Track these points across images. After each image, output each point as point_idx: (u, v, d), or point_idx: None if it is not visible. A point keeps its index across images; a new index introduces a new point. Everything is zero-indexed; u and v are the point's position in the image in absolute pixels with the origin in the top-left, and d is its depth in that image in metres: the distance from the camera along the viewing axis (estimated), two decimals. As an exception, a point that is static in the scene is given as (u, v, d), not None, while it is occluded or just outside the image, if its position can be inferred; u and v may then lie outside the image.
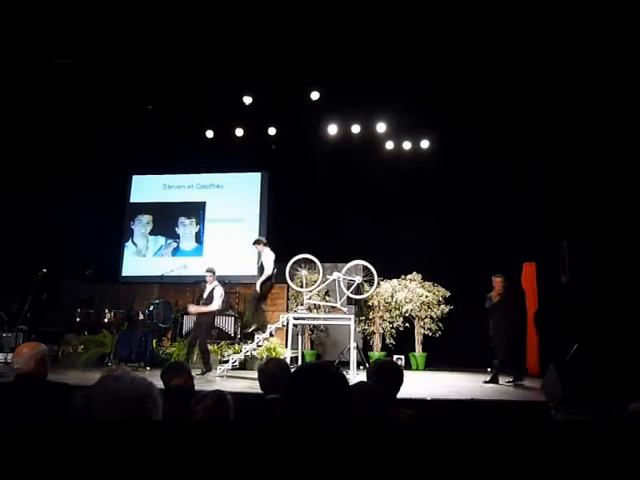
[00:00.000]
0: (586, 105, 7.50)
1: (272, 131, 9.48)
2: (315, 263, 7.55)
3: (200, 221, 10.48)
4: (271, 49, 7.26)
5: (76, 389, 2.48)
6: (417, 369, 8.38)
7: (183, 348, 7.71)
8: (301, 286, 7.79)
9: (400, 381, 2.59)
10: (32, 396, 2.41)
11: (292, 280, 7.79)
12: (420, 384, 6.28)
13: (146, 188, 10.82)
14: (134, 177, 10.83)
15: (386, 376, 2.51)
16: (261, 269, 7.57)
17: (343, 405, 1.38)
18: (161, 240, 10.52)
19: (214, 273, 7.43)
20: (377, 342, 8.73)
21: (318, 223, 9.38)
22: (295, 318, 6.98)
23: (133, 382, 1.25)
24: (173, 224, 10.51)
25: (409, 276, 8.82)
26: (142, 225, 10.62)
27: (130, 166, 10.64)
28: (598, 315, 6.84)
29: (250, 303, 7.71)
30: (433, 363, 8.53)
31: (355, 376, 6.58)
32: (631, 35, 6.39)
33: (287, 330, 6.88)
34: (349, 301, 7.93)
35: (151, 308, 8.25)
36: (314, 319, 7.76)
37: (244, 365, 7.51)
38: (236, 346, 7.87)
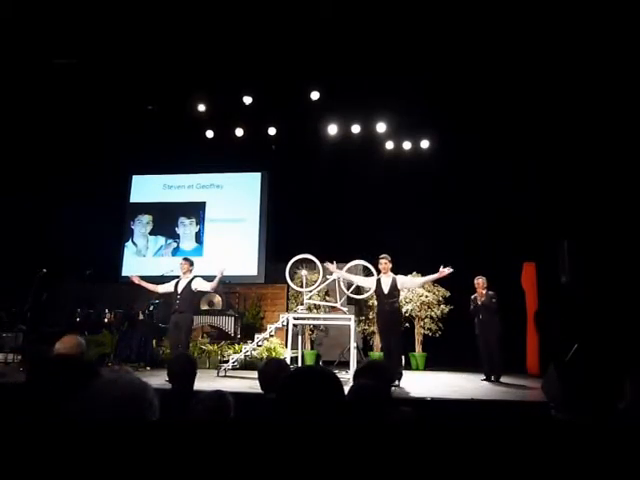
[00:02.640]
0: (586, 104, 7.50)
1: (272, 131, 9.47)
2: (315, 263, 7.55)
3: (200, 221, 10.48)
4: (271, 49, 7.26)
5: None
6: (417, 369, 8.38)
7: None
8: (301, 286, 7.79)
9: (390, 380, 2.61)
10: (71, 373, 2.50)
11: (292, 280, 7.79)
12: (420, 384, 6.28)
13: (146, 188, 10.82)
14: (134, 177, 10.83)
15: (375, 376, 2.52)
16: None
17: (336, 406, 1.40)
18: (161, 240, 10.52)
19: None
20: (377, 342, 8.72)
21: (318, 223, 9.37)
22: (295, 318, 6.98)
23: (128, 383, 1.24)
24: (173, 224, 10.51)
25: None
26: (142, 225, 10.62)
27: (130, 166, 10.64)
28: (598, 314, 6.84)
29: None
30: (433, 363, 8.53)
31: (355, 376, 6.57)
32: (629, 35, 6.39)
33: (287, 330, 6.88)
34: (349, 301, 7.93)
35: (151, 308, 8.25)
36: (314, 319, 7.76)
37: (244, 365, 7.51)
38: (236, 346, 7.87)
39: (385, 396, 2.09)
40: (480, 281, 7.08)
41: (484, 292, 6.97)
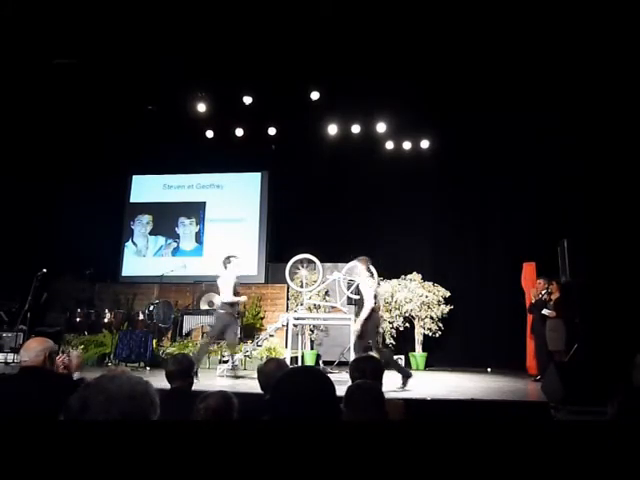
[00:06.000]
0: (584, 104, 7.51)
1: (272, 131, 9.47)
2: (315, 263, 7.55)
3: (200, 221, 10.48)
4: (271, 49, 7.25)
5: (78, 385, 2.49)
6: (417, 369, 8.36)
7: (183, 348, 7.72)
8: (301, 286, 7.78)
9: (380, 376, 2.67)
10: (39, 387, 2.41)
11: (292, 280, 7.78)
12: (420, 384, 6.27)
13: (146, 188, 10.81)
14: (134, 177, 10.82)
15: (368, 373, 2.56)
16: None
17: (329, 405, 1.40)
18: (161, 240, 10.52)
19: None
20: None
21: (318, 223, 9.37)
22: (295, 318, 6.97)
23: (129, 381, 1.24)
24: (173, 224, 10.51)
25: (409, 276, 8.80)
26: (142, 225, 10.62)
27: (130, 166, 10.64)
28: (598, 314, 6.84)
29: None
30: (433, 363, 8.52)
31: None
32: (628, 36, 6.39)
33: (287, 330, 6.87)
34: (349, 301, 7.92)
35: (151, 308, 8.25)
36: (314, 319, 7.75)
37: (244, 365, 7.51)
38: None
39: (379, 394, 2.10)
40: (537, 281, 7.33)
41: (540, 293, 7.12)
